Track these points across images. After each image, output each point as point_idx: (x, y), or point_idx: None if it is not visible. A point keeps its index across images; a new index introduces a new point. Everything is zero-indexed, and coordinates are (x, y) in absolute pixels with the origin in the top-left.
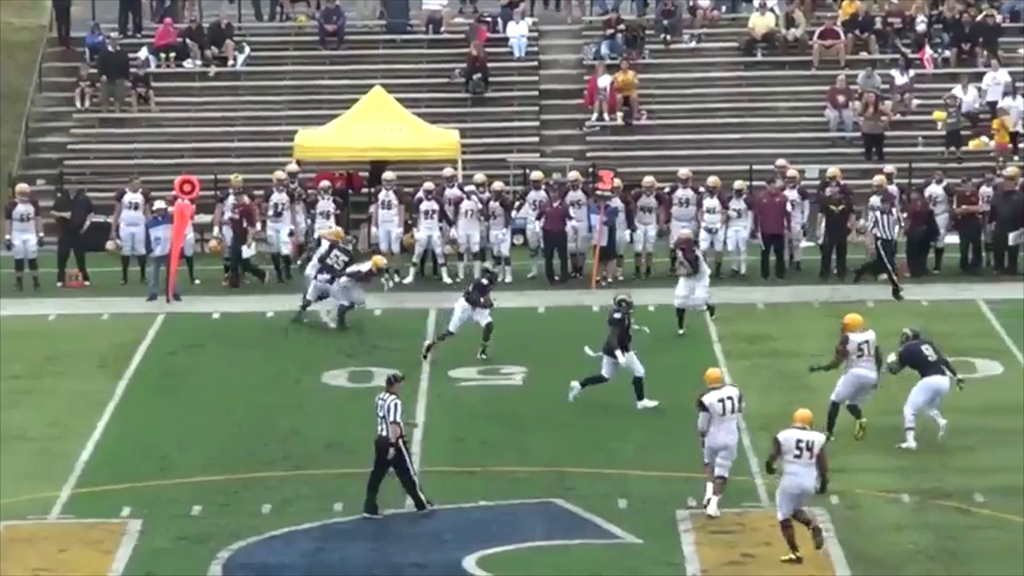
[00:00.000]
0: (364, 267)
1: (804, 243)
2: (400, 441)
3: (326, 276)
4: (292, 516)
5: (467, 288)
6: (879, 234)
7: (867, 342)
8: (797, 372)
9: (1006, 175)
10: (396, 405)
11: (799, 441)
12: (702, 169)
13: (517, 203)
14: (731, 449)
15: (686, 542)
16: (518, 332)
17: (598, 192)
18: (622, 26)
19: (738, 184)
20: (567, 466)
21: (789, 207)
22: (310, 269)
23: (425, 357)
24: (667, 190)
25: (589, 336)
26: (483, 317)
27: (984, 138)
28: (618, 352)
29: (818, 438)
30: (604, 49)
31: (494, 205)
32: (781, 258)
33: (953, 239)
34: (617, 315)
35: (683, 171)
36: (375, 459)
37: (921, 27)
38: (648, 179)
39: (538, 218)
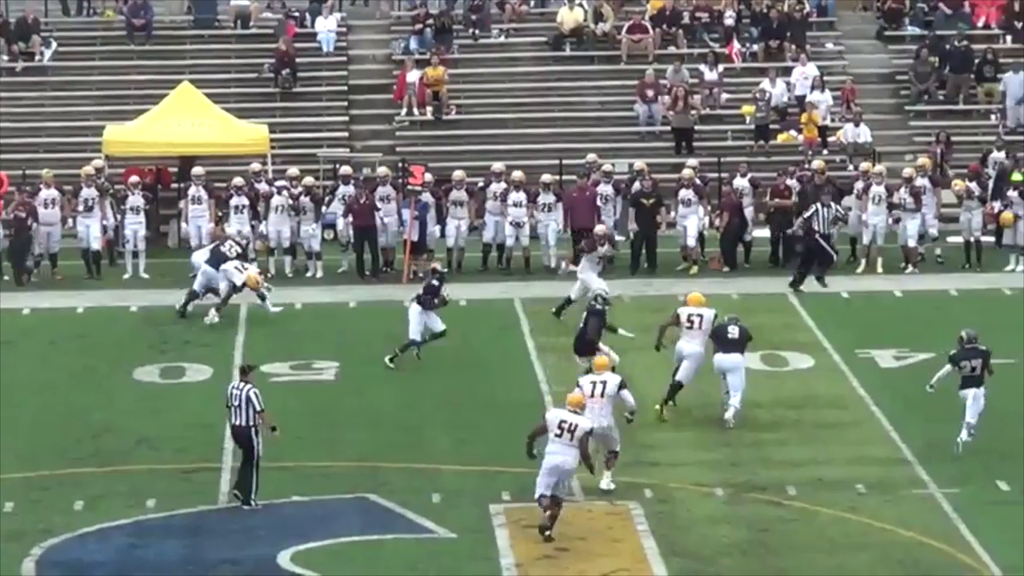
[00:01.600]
0: (238, 279)
1: (616, 237)
2: (253, 431)
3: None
4: (104, 512)
5: (418, 292)
6: (816, 227)
7: (700, 316)
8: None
9: (813, 168)
10: (256, 394)
11: (562, 422)
12: (512, 163)
13: (327, 198)
14: (605, 432)
15: (500, 536)
16: (329, 327)
17: (408, 187)
18: (431, 21)
19: (547, 178)
20: (380, 461)
21: (600, 201)
22: (198, 256)
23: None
24: (479, 184)
25: (401, 332)
26: (437, 324)
27: (792, 132)
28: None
29: (582, 422)
30: (413, 44)
31: (304, 200)
32: None
33: (762, 232)
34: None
35: (497, 165)
36: (241, 447)
37: (729, 21)
38: (458, 173)
39: (347, 213)
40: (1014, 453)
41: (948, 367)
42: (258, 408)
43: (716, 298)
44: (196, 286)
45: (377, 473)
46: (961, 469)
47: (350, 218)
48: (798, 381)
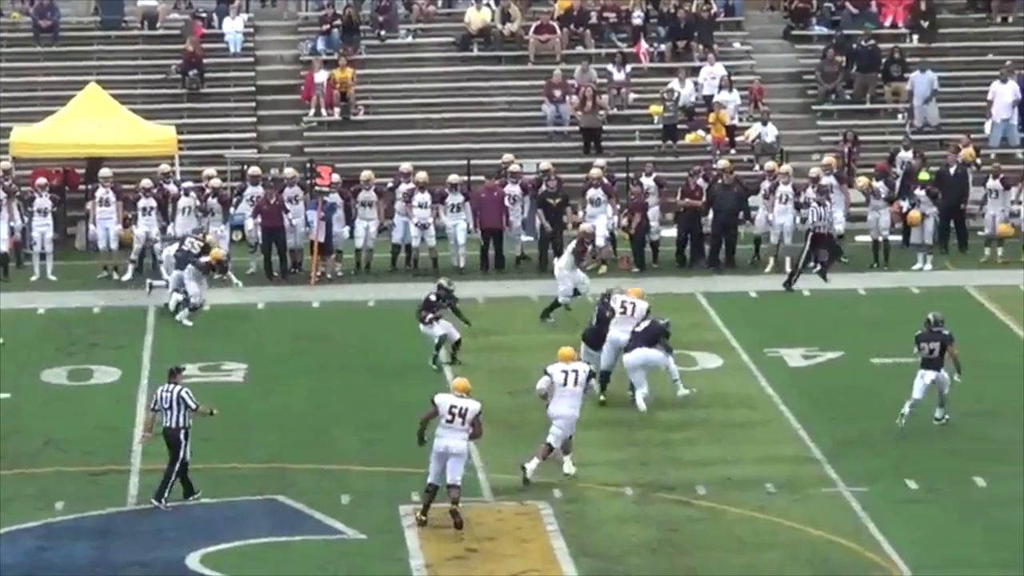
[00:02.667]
0: (204, 259)
1: (524, 237)
2: (183, 433)
3: (180, 261)
4: (13, 515)
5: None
6: (811, 225)
7: (632, 304)
8: (518, 366)
9: (718, 168)
10: (188, 393)
11: (452, 407)
12: (420, 164)
13: (235, 199)
14: (568, 420)
15: (410, 537)
16: (238, 329)
17: (316, 187)
18: (338, 22)
19: (454, 178)
20: (289, 462)
21: (508, 202)
22: (164, 257)
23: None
24: (388, 185)
25: (307, 331)
26: (452, 334)
27: (700, 132)
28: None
29: (472, 406)
30: (320, 45)
31: (212, 201)
32: (500, 252)
33: (670, 232)
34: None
35: (404, 166)
36: (169, 449)
37: (637, 21)
38: (366, 174)
39: (256, 214)
40: (922, 451)
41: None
42: (192, 406)
43: None
44: (171, 284)
45: (286, 474)
46: (869, 468)
47: (259, 219)
48: (707, 380)
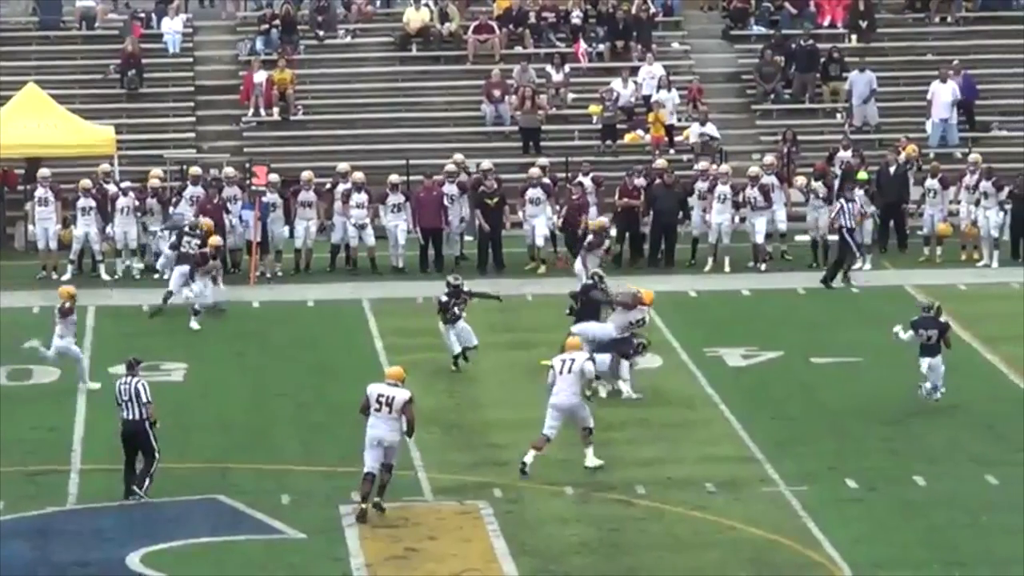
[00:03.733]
0: (201, 249)
1: (466, 237)
2: (147, 424)
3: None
4: None
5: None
6: (843, 223)
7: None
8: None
9: (656, 168)
10: (144, 386)
11: (380, 395)
12: (359, 164)
13: (174, 199)
14: (562, 409)
15: (350, 536)
16: (177, 328)
17: (252, 187)
18: (276, 22)
19: (394, 178)
20: (229, 462)
21: (447, 201)
22: (163, 260)
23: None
24: (327, 185)
25: (247, 331)
26: (470, 339)
27: (640, 131)
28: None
29: (400, 394)
30: (259, 45)
31: (151, 202)
32: (440, 252)
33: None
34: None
35: (342, 166)
36: (124, 443)
37: (576, 21)
38: (306, 174)
39: (199, 215)
40: (861, 451)
41: (911, 332)
42: (145, 400)
43: (564, 298)
44: (172, 286)
45: (226, 474)
46: (809, 467)
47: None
48: (647, 380)
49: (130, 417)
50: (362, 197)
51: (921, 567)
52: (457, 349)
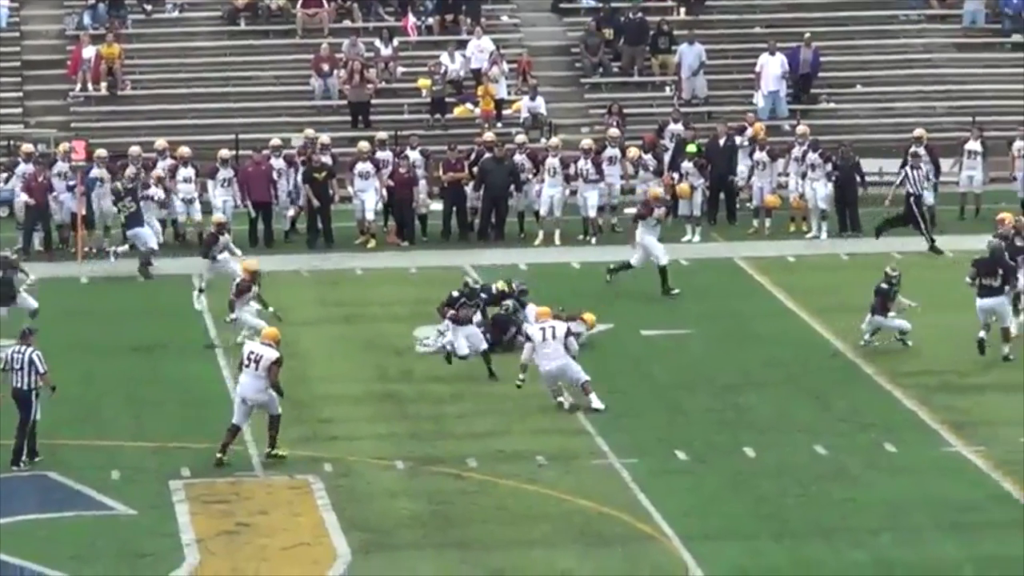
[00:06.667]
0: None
1: (290, 212)
2: (33, 394)
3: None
4: None
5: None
6: (910, 190)
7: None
8: (286, 339)
9: (484, 141)
10: (39, 356)
11: (251, 353)
12: (188, 139)
13: (4, 175)
14: (556, 372)
15: (180, 512)
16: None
17: (72, 163)
18: None
19: (224, 153)
20: (59, 438)
21: (275, 175)
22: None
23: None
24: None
25: (76, 307)
26: (480, 343)
27: (469, 105)
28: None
29: (268, 353)
30: (87, 19)
31: None
32: (269, 227)
33: (437, 206)
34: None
35: (159, 142)
36: (20, 410)
37: None
38: (134, 148)
39: (26, 191)
40: (691, 422)
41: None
42: (41, 371)
43: (393, 272)
44: (203, 284)
45: (55, 450)
46: (639, 439)
47: (26, 196)
48: (478, 356)
49: (17, 385)
50: (189, 172)
51: (751, 538)
52: (465, 351)
